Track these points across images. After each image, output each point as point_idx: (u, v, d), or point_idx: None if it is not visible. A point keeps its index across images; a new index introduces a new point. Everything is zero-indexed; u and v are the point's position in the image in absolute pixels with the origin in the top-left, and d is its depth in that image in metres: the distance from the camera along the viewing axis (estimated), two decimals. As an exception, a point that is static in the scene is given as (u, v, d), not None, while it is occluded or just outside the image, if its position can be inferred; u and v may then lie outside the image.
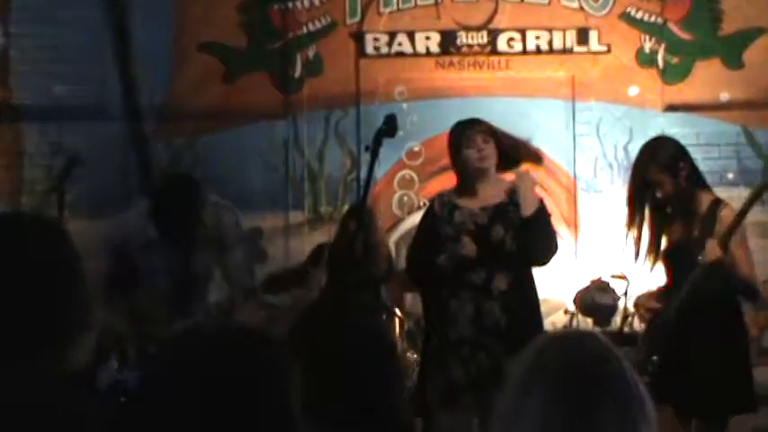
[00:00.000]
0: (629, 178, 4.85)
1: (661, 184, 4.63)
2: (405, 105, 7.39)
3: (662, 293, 4.76)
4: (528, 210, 4.55)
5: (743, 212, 4.52)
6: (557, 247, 4.62)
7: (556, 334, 1.95)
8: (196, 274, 4.44)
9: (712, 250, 4.46)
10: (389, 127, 4.12)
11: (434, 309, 4.62)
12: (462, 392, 4.50)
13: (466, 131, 4.59)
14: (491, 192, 4.61)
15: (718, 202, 4.69)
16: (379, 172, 7.17)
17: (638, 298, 5.08)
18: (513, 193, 4.57)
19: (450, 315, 4.50)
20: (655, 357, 4.57)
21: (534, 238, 4.51)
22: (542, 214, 4.59)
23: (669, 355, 4.59)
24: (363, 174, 6.94)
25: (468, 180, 4.61)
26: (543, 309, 4.80)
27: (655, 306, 4.75)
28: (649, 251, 4.72)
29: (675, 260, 4.69)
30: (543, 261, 4.60)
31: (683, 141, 4.86)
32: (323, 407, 1.86)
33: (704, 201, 4.67)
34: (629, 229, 4.75)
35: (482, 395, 4.37)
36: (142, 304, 4.42)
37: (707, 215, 4.61)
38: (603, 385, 1.70)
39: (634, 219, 4.73)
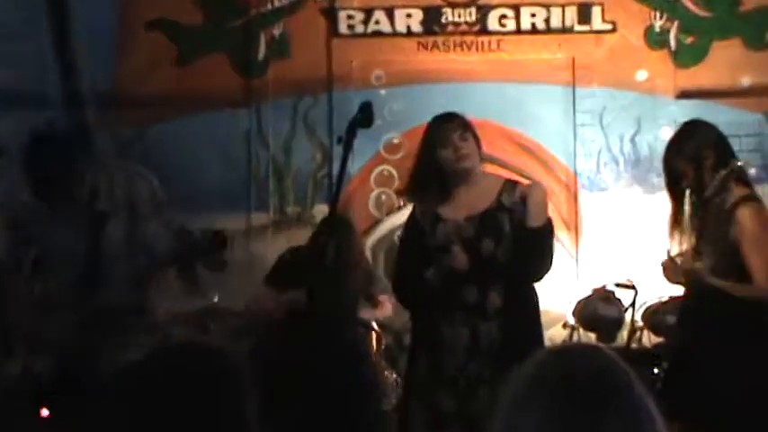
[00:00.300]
0: (663, 166, 4.82)
1: (684, 175, 4.64)
2: (383, 92, 7.37)
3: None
4: (535, 221, 4.47)
5: None
6: (551, 266, 4.59)
7: (556, 347, 2.01)
8: (103, 249, 4.40)
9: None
10: (365, 116, 4.04)
11: (425, 333, 4.57)
12: (451, 423, 4.47)
13: (440, 129, 4.55)
14: (476, 195, 4.56)
15: (743, 200, 4.60)
16: (354, 167, 7.14)
17: (652, 311, 5.17)
18: (502, 193, 4.52)
19: (442, 341, 4.46)
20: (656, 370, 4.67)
21: (534, 252, 4.47)
22: (549, 229, 4.53)
23: (679, 366, 4.65)
24: (336, 169, 6.29)
25: (450, 184, 4.56)
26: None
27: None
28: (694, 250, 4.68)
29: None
30: (537, 278, 4.55)
31: None
32: (293, 419, 2.06)
33: (734, 196, 4.60)
34: (670, 229, 4.77)
35: (474, 427, 4.37)
36: (46, 288, 4.39)
37: (726, 214, 4.57)
38: (607, 402, 1.71)
39: (675, 216, 4.72)
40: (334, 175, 7.14)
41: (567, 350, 1.90)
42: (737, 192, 4.61)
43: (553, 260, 4.56)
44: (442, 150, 4.47)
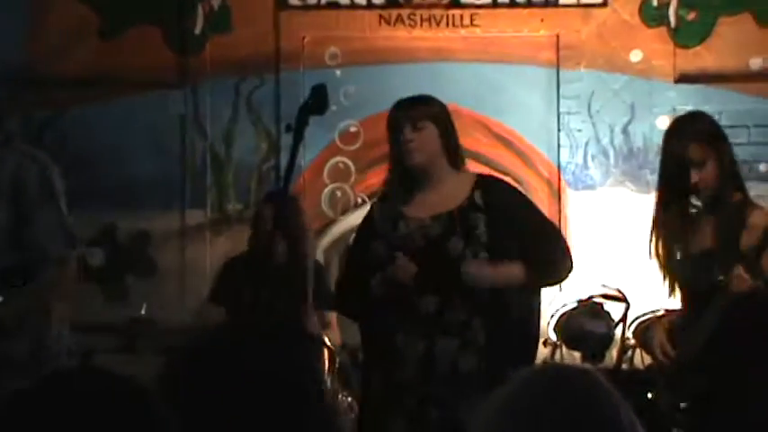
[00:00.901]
0: (661, 160, 4.78)
1: (702, 163, 4.56)
2: (338, 72, 7.35)
3: (680, 320, 4.77)
4: None
5: None
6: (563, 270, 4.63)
7: (536, 370, 2.03)
8: None
9: (739, 278, 4.40)
10: (318, 100, 4.04)
11: (375, 343, 4.57)
12: None
13: (393, 117, 4.56)
14: (444, 193, 4.56)
15: (746, 204, 4.63)
16: (305, 159, 7.14)
17: (645, 327, 5.17)
18: (474, 190, 4.52)
19: (394, 352, 4.44)
20: (683, 404, 4.57)
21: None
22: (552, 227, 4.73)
23: (702, 401, 4.55)
24: (284, 161, 6.94)
25: (410, 182, 4.57)
26: None
27: (667, 336, 4.75)
28: (663, 261, 4.73)
29: (694, 276, 4.65)
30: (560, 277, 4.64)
31: None
32: None
33: (734, 200, 4.64)
34: (653, 233, 4.74)
35: None
36: None
37: (733, 220, 4.57)
38: (590, 426, 1.75)
39: (666, 215, 4.70)
40: (282, 169, 7.08)
41: (548, 374, 1.89)
42: (737, 194, 4.63)
43: (567, 262, 4.58)
44: (395, 146, 4.54)
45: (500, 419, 1.79)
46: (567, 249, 4.60)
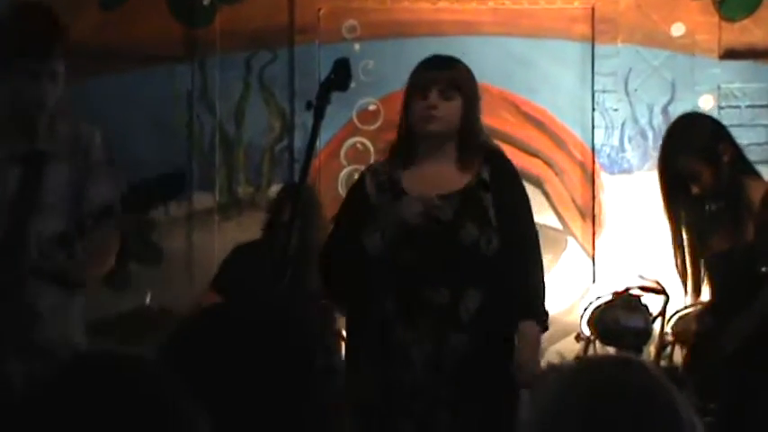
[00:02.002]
0: (658, 170, 5.05)
1: (697, 176, 4.83)
2: (356, 46, 7.35)
3: (706, 315, 5.00)
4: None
5: None
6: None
7: (585, 360, 2.32)
8: (35, 197, 4.50)
9: None
10: (341, 76, 4.09)
11: (366, 337, 4.53)
12: None
13: (420, 74, 4.57)
14: (451, 169, 4.58)
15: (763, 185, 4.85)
16: (321, 139, 7.04)
17: (676, 323, 5.49)
18: (482, 165, 4.54)
19: (394, 349, 4.43)
20: (712, 405, 4.66)
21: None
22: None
23: (733, 402, 4.67)
24: (298, 142, 7.13)
25: (416, 147, 4.58)
26: (547, 333, 4.76)
27: (696, 330, 5.07)
28: (690, 263, 5.02)
29: (722, 271, 4.90)
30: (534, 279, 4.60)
31: (746, 100, 4.97)
32: None
33: (756, 191, 4.80)
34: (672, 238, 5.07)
35: None
36: None
37: (763, 210, 4.67)
38: (647, 424, 1.78)
39: (673, 222, 5.03)
40: (296, 150, 7.22)
41: (599, 363, 1.99)
42: (759, 184, 4.85)
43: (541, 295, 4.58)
44: (415, 103, 4.51)
45: (546, 422, 1.82)
46: (543, 277, 4.60)
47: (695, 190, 4.83)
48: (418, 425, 4.42)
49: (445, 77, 4.50)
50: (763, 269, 4.61)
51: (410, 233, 4.44)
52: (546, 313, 4.53)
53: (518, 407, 4.41)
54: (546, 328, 4.54)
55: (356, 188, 4.76)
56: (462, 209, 4.48)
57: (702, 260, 5.00)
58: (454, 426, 4.40)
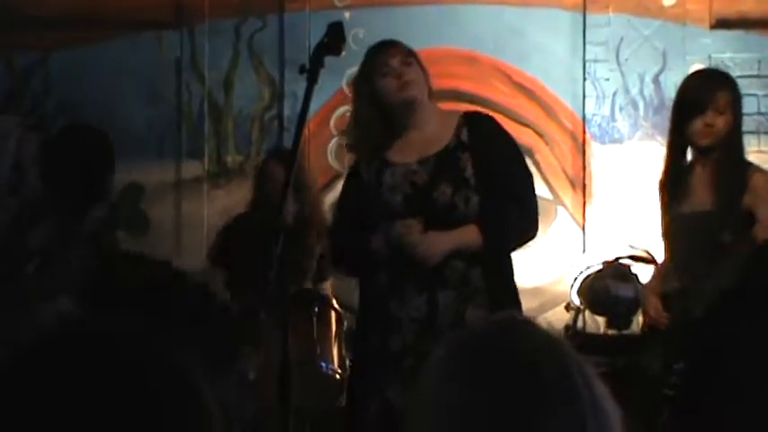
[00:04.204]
0: (677, 103, 4.94)
1: (722, 113, 4.78)
2: (347, 14, 7.30)
3: (669, 275, 4.96)
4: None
5: None
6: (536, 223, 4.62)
7: (478, 324, 2.16)
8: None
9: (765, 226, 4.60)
10: (335, 40, 4.04)
11: (370, 304, 4.57)
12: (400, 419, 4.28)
13: (378, 55, 4.59)
14: (429, 133, 4.57)
15: (743, 166, 4.84)
16: (310, 108, 7.05)
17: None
18: (460, 128, 4.53)
19: (390, 313, 4.46)
20: (677, 365, 4.61)
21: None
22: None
23: (701, 361, 4.42)
24: (288, 110, 7.22)
25: (396, 120, 4.57)
26: (537, 303, 5.20)
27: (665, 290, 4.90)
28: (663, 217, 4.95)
29: (692, 233, 4.81)
30: (519, 239, 4.58)
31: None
32: None
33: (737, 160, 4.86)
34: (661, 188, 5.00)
35: None
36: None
37: (731, 181, 4.77)
38: (531, 390, 1.72)
39: (670, 171, 4.95)
40: (286, 118, 7.30)
41: (486, 326, 1.89)
42: (740, 156, 4.83)
43: (530, 231, 4.57)
44: (382, 79, 4.49)
45: (433, 389, 1.75)
46: (536, 215, 4.58)
47: (711, 122, 4.80)
48: (406, 384, 4.36)
49: (399, 50, 4.55)
50: (726, 238, 4.59)
51: (395, 202, 4.47)
52: (499, 249, 4.48)
53: None
54: (489, 252, 4.44)
55: (351, 174, 4.75)
56: (437, 171, 4.48)
57: (670, 217, 4.99)
58: None
